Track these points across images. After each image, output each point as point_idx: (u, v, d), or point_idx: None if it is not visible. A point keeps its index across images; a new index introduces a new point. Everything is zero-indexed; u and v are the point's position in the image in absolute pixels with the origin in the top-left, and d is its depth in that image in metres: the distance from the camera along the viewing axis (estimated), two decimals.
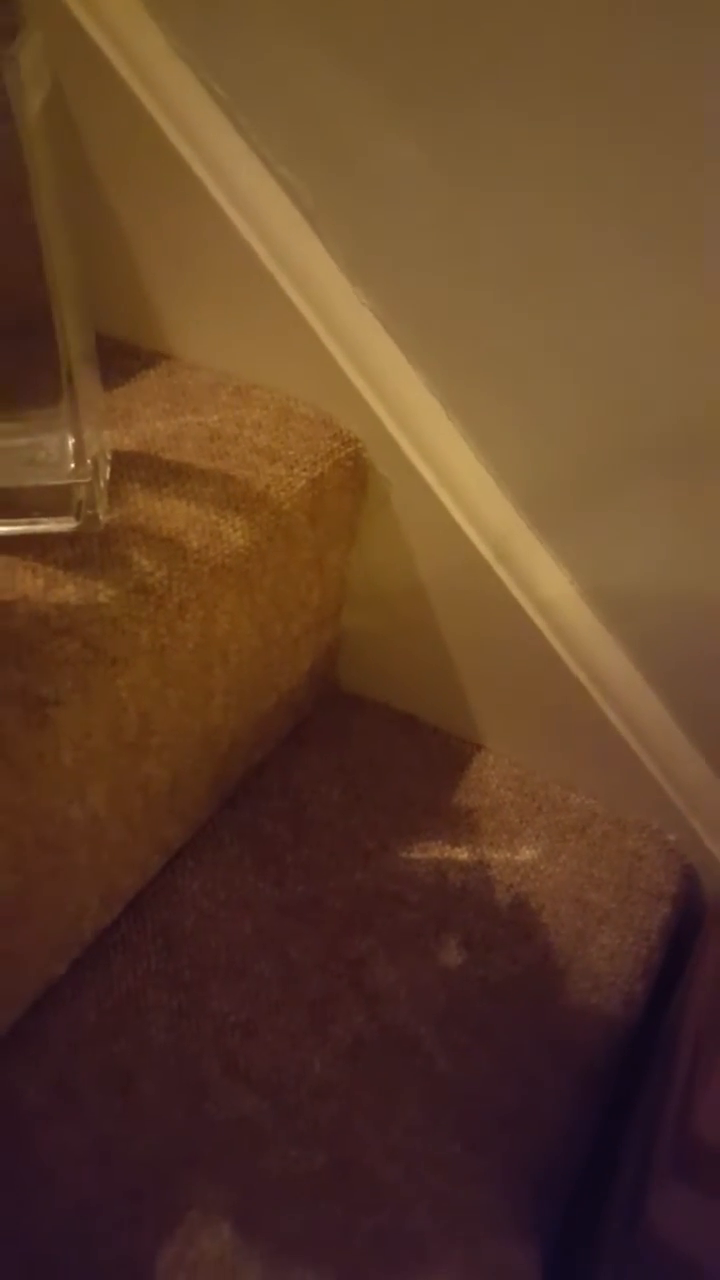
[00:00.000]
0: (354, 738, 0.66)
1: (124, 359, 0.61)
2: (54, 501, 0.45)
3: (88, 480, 0.45)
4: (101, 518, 0.46)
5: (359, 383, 0.57)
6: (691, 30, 0.43)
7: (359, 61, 0.50)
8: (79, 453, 0.44)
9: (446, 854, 0.59)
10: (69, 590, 0.42)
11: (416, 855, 0.59)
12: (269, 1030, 0.49)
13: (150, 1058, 0.47)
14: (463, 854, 0.59)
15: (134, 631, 0.42)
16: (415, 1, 0.47)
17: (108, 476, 0.48)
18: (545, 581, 0.59)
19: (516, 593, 0.59)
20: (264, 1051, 0.48)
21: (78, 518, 0.45)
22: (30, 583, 0.42)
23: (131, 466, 0.51)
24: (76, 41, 0.53)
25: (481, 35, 0.47)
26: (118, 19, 0.53)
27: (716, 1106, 0.32)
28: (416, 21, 0.48)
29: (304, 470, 0.54)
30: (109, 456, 0.49)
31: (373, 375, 0.57)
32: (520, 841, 0.60)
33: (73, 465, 0.44)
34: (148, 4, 0.53)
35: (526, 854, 0.60)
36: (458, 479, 0.59)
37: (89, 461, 0.44)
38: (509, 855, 0.59)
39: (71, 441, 0.43)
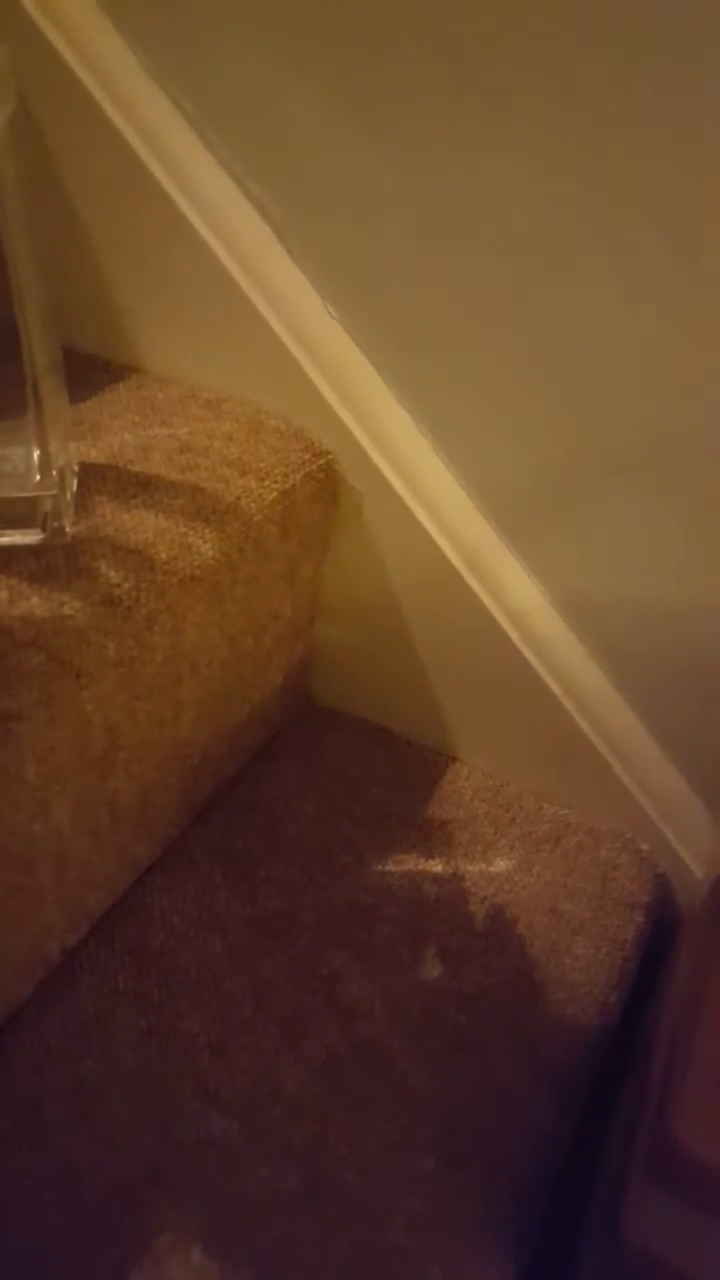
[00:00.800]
0: (327, 751, 0.66)
1: (94, 372, 0.61)
2: (20, 513, 0.45)
3: (54, 493, 0.44)
4: (68, 530, 0.46)
5: (330, 395, 0.57)
6: (662, 46, 0.43)
7: (327, 80, 0.50)
8: (45, 465, 0.43)
9: (421, 866, 0.59)
10: (34, 602, 0.42)
11: (391, 868, 0.59)
12: (240, 1049, 0.48)
13: (118, 1079, 0.46)
14: (437, 866, 0.59)
15: (100, 644, 0.42)
16: (383, 22, 0.48)
17: (75, 488, 0.48)
18: (517, 592, 0.60)
19: (488, 603, 0.59)
20: (235, 1070, 0.48)
21: (44, 530, 0.45)
22: None
23: (99, 479, 0.51)
24: (44, 57, 0.53)
25: (450, 53, 0.47)
26: (86, 35, 0.54)
27: (688, 1112, 0.31)
28: (384, 40, 0.48)
29: (275, 482, 0.54)
30: (76, 468, 0.49)
31: (344, 388, 0.58)
32: (494, 853, 0.60)
33: (38, 477, 0.43)
34: (116, 21, 0.53)
35: (501, 865, 0.59)
36: (429, 491, 0.59)
37: (55, 473, 0.44)
38: (483, 867, 0.59)
39: (37, 454, 0.43)
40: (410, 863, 0.59)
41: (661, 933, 0.60)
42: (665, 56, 0.43)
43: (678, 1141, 0.31)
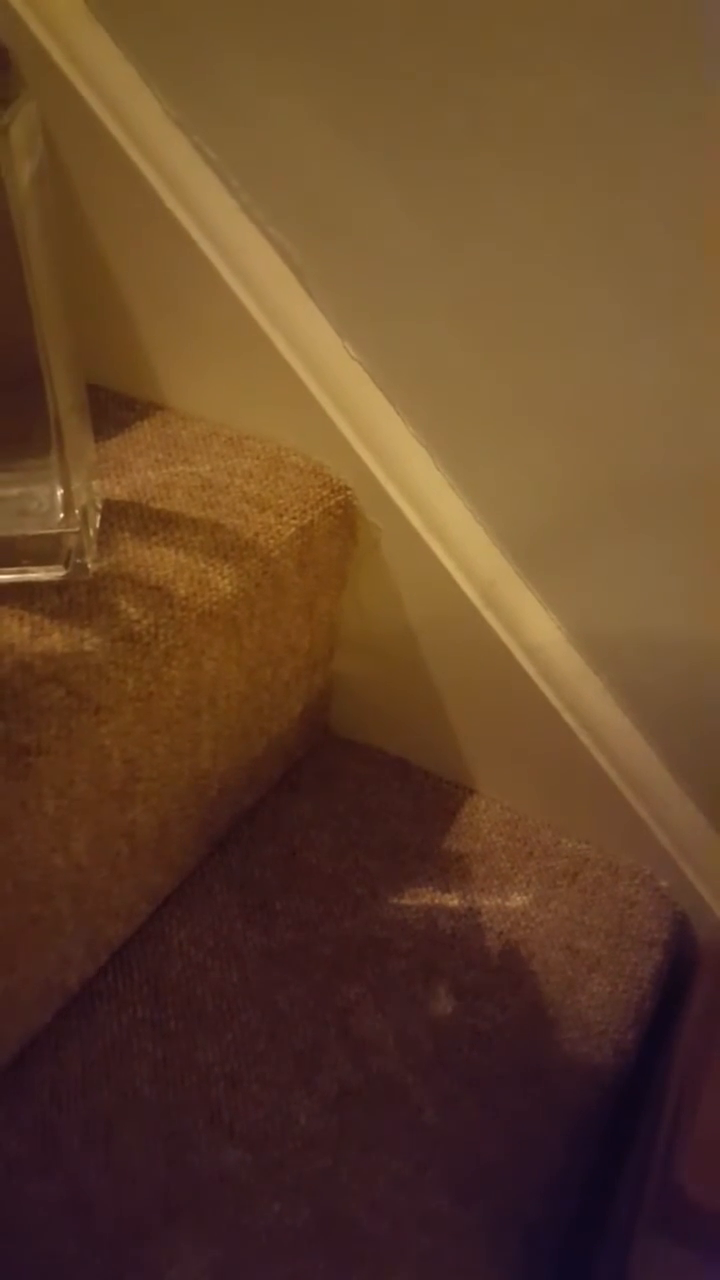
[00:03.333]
0: (345, 782, 0.66)
1: (120, 410, 0.62)
2: (44, 550, 0.46)
3: (76, 530, 0.45)
4: (90, 566, 0.47)
5: (348, 433, 0.58)
6: (669, 87, 0.44)
7: (347, 124, 0.52)
8: (68, 503, 0.45)
9: (437, 900, 0.59)
10: (55, 638, 0.43)
11: (407, 901, 0.59)
12: (254, 1080, 0.49)
13: (134, 1109, 0.47)
14: (453, 900, 0.59)
15: (119, 679, 0.43)
16: (400, 63, 0.49)
17: (97, 525, 0.49)
18: (533, 626, 0.60)
19: (505, 637, 0.60)
20: (249, 1103, 0.48)
21: (67, 566, 0.46)
22: (16, 631, 0.43)
23: (122, 515, 0.52)
24: (73, 106, 0.55)
25: (468, 96, 0.48)
26: (113, 85, 0.55)
27: (694, 1156, 0.31)
28: (402, 82, 0.49)
29: (293, 518, 0.55)
30: (99, 506, 0.50)
31: (362, 426, 0.59)
32: (511, 887, 0.60)
33: (61, 515, 0.45)
34: (143, 72, 0.55)
35: (517, 900, 0.59)
36: (446, 526, 0.60)
37: (77, 511, 0.45)
38: (500, 901, 0.59)
39: (60, 492, 0.44)
40: (426, 896, 0.59)
41: (680, 971, 0.59)
42: (669, 91, 0.44)
43: (682, 1190, 0.30)
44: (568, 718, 0.60)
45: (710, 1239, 0.31)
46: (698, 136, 0.44)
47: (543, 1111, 0.49)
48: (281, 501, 0.55)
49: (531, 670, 0.60)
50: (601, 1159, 0.51)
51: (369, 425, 0.59)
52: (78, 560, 0.46)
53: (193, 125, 0.55)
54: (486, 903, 0.59)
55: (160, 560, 0.49)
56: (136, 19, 0.54)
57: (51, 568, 0.46)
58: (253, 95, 0.53)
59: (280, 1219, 0.44)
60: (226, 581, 0.50)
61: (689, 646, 0.56)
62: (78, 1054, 0.48)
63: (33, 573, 0.46)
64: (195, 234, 0.56)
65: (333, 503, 0.58)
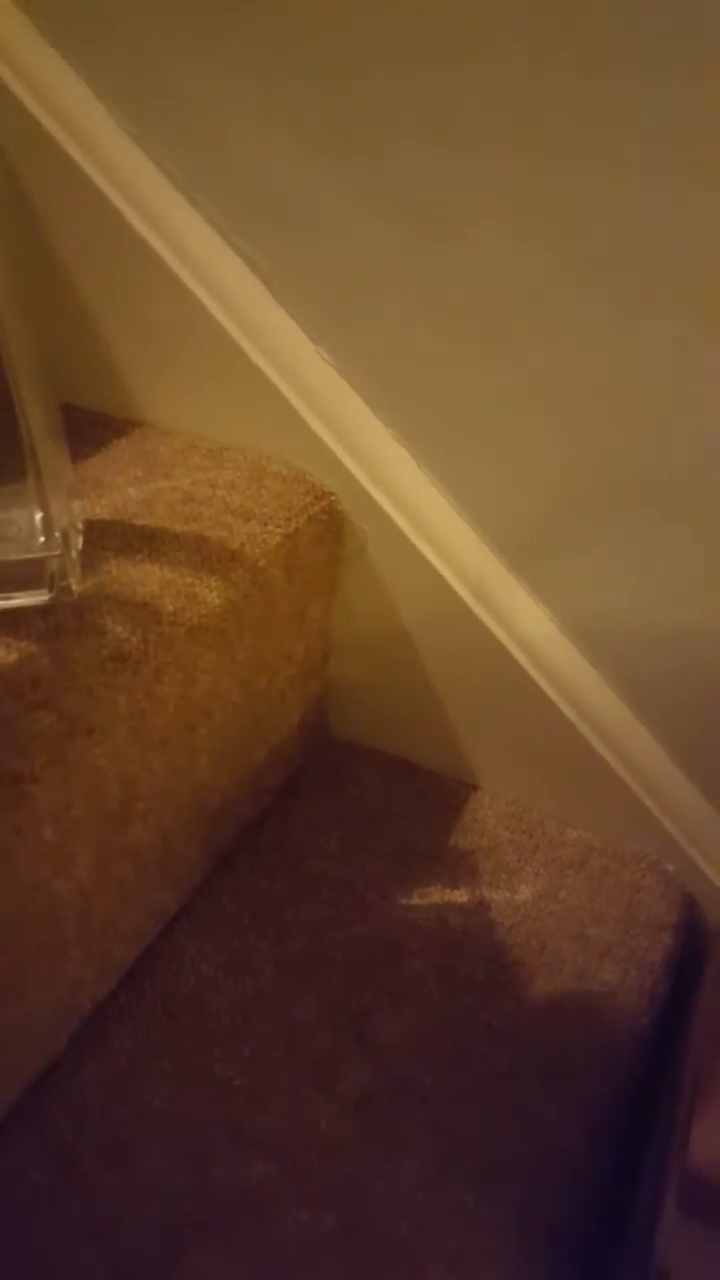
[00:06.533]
0: (348, 786, 0.66)
1: (96, 429, 0.62)
2: (27, 575, 0.46)
3: (58, 553, 0.45)
4: (75, 588, 0.47)
5: (328, 438, 0.58)
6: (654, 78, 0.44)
7: (305, 131, 0.52)
8: (47, 526, 0.45)
9: (446, 898, 0.59)
10: (43, 663, 0.43)
11: (416, 902, 0.59)
12: (273, 1091, 0.49)
13: (153, 1128, 0.47)
14: (462, 897, 0.59)
15: (111, 699, 0.43)
16: (364, 76, 0.49)
17: (80, 547, 0.49)
18: (525, 620, 0.60)
19: (498, 632, 0.59)
20: (269, 1114, 0.48)
21: (51, 590, 0.46)
22: (3, 657, 0.43)
23: (105, 535, 0.52)
24: (27, 128, 0.55)
25: (430, 95, 0.48)
26: (67, 104, 0.55)
27: (710, 1135, 0.31)
28: (361, 85, 0.49)
29: (278, 526, 0.55)
30: (80, 527, 0.50)
31: (342, 430, 0.58)
32: (519, 880, 0.60)
33: (42, 539, 0.45)
34: (96, 90, 0.55)
35: (526, 893, 0.59)
36: (432, 525, 0.59)
37: (58, 534, 0.45)
38: (508, 895, 0.59)
39: (39, 515, 0.44)
40: (435, 895, 0.59)
41: (692, 954, 0.59)
42: (657, 88, 0.44)
43: (698, 1165, 0.30)
44: (565, 709, 0.60)
45: None
46: (676, 124, 0.44)
47: (562, 1103, 0.49)
48: (265, 511, 0.55)
49: (526, 663, 0.59)
50: (623, 1146, 0.51)
51: (349, 429, 0.58)
52: (61, 583, 0.46)
53: (151, 140, 0.55)
54: (496, 897, 0.59)
55: (146, 577, 0.49)
56: (86, 37, 0.54)
57: (35, 592, 0.46)
58: (210, 107, 0.53)
59: (307, 1228, 0.44)
60: (214, 594, 0.50)
61: (683, 633, 0.56)
62: (94, 1076, 0.48)
63: (17, 599, 0.46)
64: (160, 248, 0.56)
65: (317, 509, 0.57)
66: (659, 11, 0.42)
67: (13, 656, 0.43)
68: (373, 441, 0.59)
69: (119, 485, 0.56)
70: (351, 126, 0.50)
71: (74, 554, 0.48)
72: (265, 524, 0.55)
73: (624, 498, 0.54)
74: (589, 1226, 0.47)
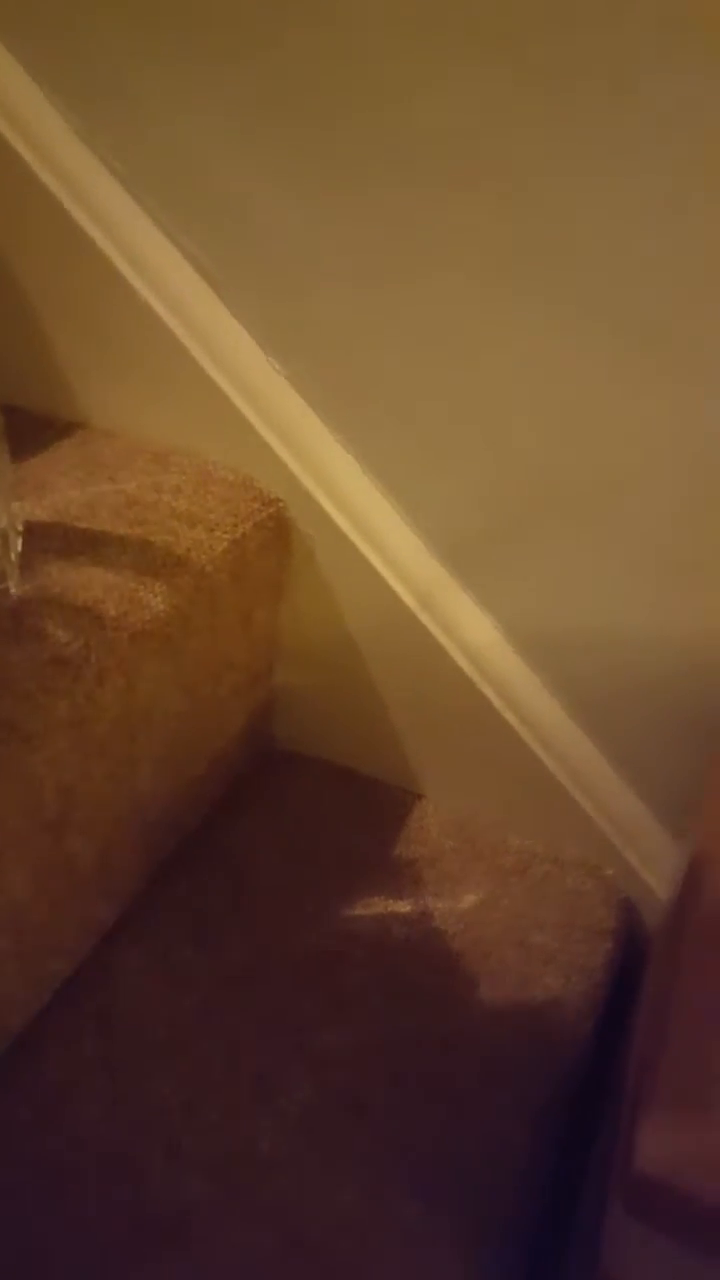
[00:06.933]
0: (292, 795, 0.66)
1: (38, 430, 0.61)
2: None
3: None
4: (13, 590, 0.46)
5: (276, 444, 0.58)
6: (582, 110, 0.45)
7: (256, 137, 0.52)
8: None
9: (389, 908, 0.59)
10: None
11: (359, 912, 0.58)
12: (212, 1108, 0.48)
13: (88, 1150, 0.45)
14: (405, 907, 0.59)
15: (50, 705, 0.42)
16: (305, 72, 0.49)
17: (19, 548, 0.48)
18: (471, 628, 0.60)
19: (444, 640, 0.60)
20: (208, 1131, 0.47)
21: None
22: None
23: (46, 537, 0.51)
24: None
25: (373, 110, 0.48)
26: (15, 102, 0.54)
27: (652, 1135, 0.31)
28: (305, 89, 0.49)
29: (225, 532, 0.54)
30: (20, 528, 0.49)
31: (290, 436, 0.58)
32: (462, 889, 0.60)
33: None
34: (44, 87, 0.54)
35: (469, 900, 0.59)
36: (379, 533, 0.59)
37: None
38: (451, 904, 0.59)
39: None
40: (378, 905, 0.59)
41: (632, 958, 0.60)
42: (598, 126, 0.45)
43: (641, 1165, 0.31)
44: (509, 716, 0.60)
45: (674, 1218, 0.31)
46: (606, 143, 0.45)
47: (507, 1111, 0.49)
48: (212, 516, 0.55)
49: (471, 672, 0.60)
50: (567, 1150, 0.51)
51: (297, 436, 0.58)
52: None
53: (99, 140, 0.55)
54: (439, 906, 0.59)
55: (88, 581, 0.48)
56: (35, 34, 0.53)
57: None
58: (159, 110, 0.53)
59: (246, 1248, 0.43)
60: (159, 599, 0.49)
61: (623, 641, 0.57)
62: (24, 1099, 0.46)
63: None
64: (106, 248, 0.55)
65: (264, 515, 0.57)
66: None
67: None
68: (321, 449, 0.59)
69: (62, 487, 0.55)
70: (302, 136, 0.50)
71: (13, 556, 0.46)
72: (211, 529, 0.54)
73: (563, 510, 0.55)
74: (535, 1234, 0.47)
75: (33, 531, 0.50)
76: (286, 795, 0.66)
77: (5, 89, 0.54)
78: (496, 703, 0.60)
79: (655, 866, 0.61)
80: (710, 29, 0.41)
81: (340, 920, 0.57)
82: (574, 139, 0.46)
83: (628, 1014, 0.53)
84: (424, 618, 0.59)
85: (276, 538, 0.59)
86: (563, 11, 0.43)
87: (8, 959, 0.44)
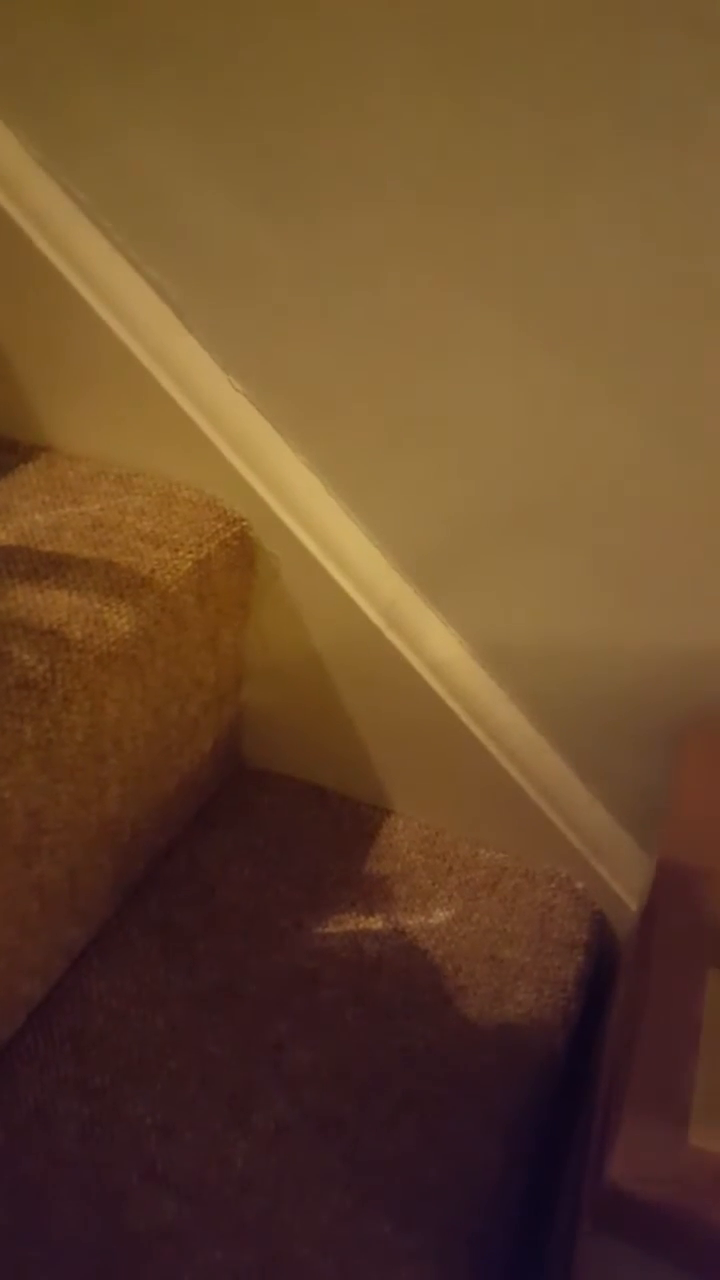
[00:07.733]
0: (262, 813, 0.66)
1: (2, 455, 0.61)
2: None
3: None
4: None
5: (239, 465, 0.58)
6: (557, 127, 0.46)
7: (212, 157, 0.52)
8: None
9: (361, 925, 0.59)
10: None
11: (331, 929, 0.58)
12: (187, 1129, 0.47)
13: (63, 1173, 0.45)
14: (377, 923, 0.59)
15: (16, 729, 0.42)
16: (264, 100, 0.50)
17: None
18: (436, 644, 0.61)
19: (409, 657, 0.60)
20: (183, 1152, 0.47)
21: None
22: None
23: (10, 560, 0.51)
24: None
25: (332, 128, 0.49)
26: None
27: (624, 1149, 0.32)
28: (267, 125, 0.50)
29: (189, 552, 0.55)
30: None
31: (253, 457, 0.59)
32: (433, 904, 0.60)
33: None
34: (4, 115, 0.55)
35: (440, 916, 0.60)
36: (343, 551, 0.60)
37: None
38: (423, 919, 0.59)
39: None
40: (350, 922, 0.59)
41: (603, 969, 0.61)
42: (544, 135, 0.46)
43: (613, 1179, 0.31)
44: (476, 731, 0.61)
45: (645, 1230, 0.31)
46: (566, 160, 0.46)
47: (480, 1126, 0.49)
48: (176, 537, 0.55)
49: (437, 687, 0.60)
50: (540, 1164, 0.51)
51: (259, 456, 0.59)
52: None
53: (59, 167, 0.55)
54: (410, 922, 0.59)
55: (53, 603, 0.48)
56: None
57: None
58: (121, 140, 0.53)
59: (224, 1267, 0.43)
60: (124, 620, 0.49)
61: (588, 655, 0.58)
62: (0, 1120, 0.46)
63: None
64: (67, 273, 0.56)
65: (228, 535, 0.57)
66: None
67: None
68: (284, 468, 0.59)
69: (25, 511, 0.55)
70: (262, 162, 0.51)
71: None
72: (176, 550, 0.54)
73: (526, 526, 0.56)
74: (508, 1247, 0.47)
75: None
76: (256, 814, 0.66)
77: None
78: (463, 717, 0.61)
79: (625, 878, 0.61)
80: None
81: (312, 938, 0.58)
82: (524, 157, 0.47)
83: (600, 1026, 0.54)
84: (390, 634, 0.60)
85: (241, 557, 0.59)
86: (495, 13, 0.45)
87: None
